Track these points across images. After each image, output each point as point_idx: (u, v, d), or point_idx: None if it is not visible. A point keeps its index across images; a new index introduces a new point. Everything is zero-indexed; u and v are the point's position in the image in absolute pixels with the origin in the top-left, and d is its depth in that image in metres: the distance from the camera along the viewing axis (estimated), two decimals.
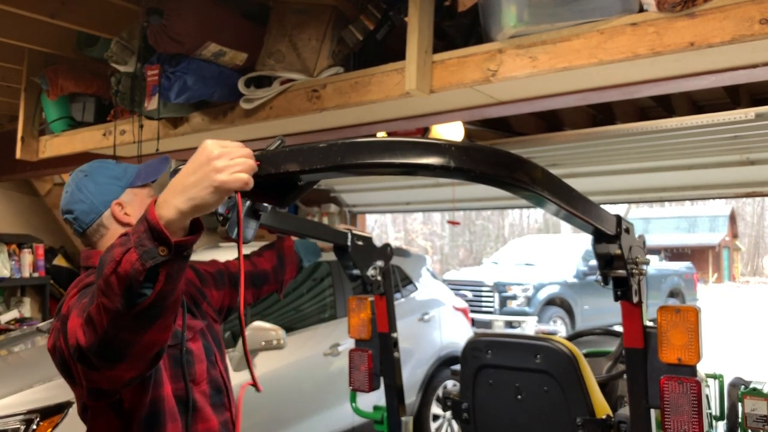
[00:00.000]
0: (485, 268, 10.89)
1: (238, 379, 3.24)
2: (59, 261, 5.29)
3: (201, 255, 4.17)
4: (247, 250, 1.94)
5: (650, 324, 1.54)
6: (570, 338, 2.99)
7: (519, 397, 2.26)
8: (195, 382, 1.45)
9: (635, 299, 1.51)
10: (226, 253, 4.11)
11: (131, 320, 1.03)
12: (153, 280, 0.99)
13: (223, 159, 0.97)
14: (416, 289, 4.98)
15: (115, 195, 1.51)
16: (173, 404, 1.40)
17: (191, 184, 0.97)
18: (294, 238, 2.07)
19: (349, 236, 2.01)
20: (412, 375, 4.58)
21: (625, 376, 2.04)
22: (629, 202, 7.60)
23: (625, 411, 1.92)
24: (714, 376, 2.58)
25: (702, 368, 1.65)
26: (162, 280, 1.00)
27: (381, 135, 3.03)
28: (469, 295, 9.33)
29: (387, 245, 2.14)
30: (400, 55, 2.21)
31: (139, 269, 0.98)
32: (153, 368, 1.21)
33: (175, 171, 1.11)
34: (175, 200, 0.98)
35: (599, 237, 1.46)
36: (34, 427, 2.48)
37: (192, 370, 1.45)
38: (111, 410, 1.35)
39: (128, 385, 1.23)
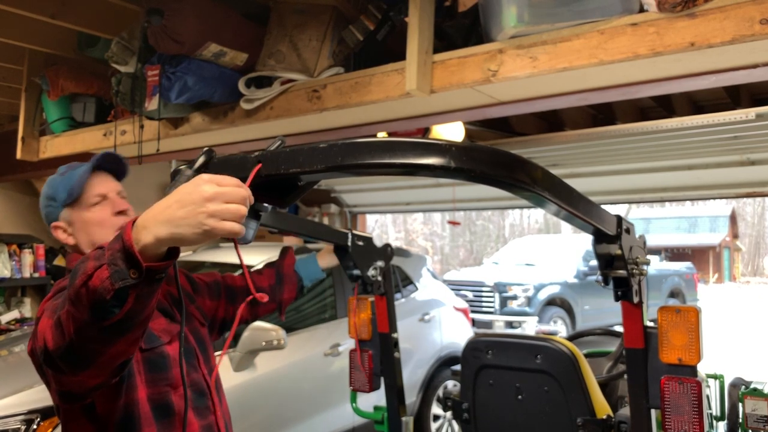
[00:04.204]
0: (486, 269, 10.89)
1: (238, 379, 3.25)
2: (60, 261, 5.29)
3: (201, 255, 4.17)
4: (247, 256, 1.94)
5: (651, 324, 1.54)
6: (570, 338, 2.99)
7: (519, 397, 2.26)
8: (172, 385, 1.43)
9: (636, 299, 1.51)
10: (226, 254, 4.12)
11: (98, 332, 1.02)
12: (122, 300, 0.98)
13: (217, 202, 0.94)
14: (416, 289, 4.98)
15: (55, 216, 1.50)
16: (148, 409, 1.38)
17: (178, 219, 0.94)
18: (300, 242, 2.07)
19: (350, 236, 2.01)
20: (412, 375, 4.58)
21: (625, 376, 2.04)
22: (630, 203, 7.59)
23: (625, 411, 1.92)
24: (714, 377, 2.58)
25: (702, 368, 1.65)
26: (131, 302, 0.98)
27: (381, 135, 3.03)
28: (470, 295, 9.33)
29: (387, 245, 2.14)
30: (400, 55, 2.21)
31: (108, 288, 0.96)
32: (118, 377, 1.21)
33: (176, 171, 1.10)
34: (156, 228, 0.95)
35: (600, 237, 1.46)
36: (35, 427, 2.48)
37: (169, 374, 1.43)
38: (83, 415, 1.35)
39: (95, 389, 1.23)
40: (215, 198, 0.94)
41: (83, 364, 1.10)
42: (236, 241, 1.03)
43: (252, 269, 1.94)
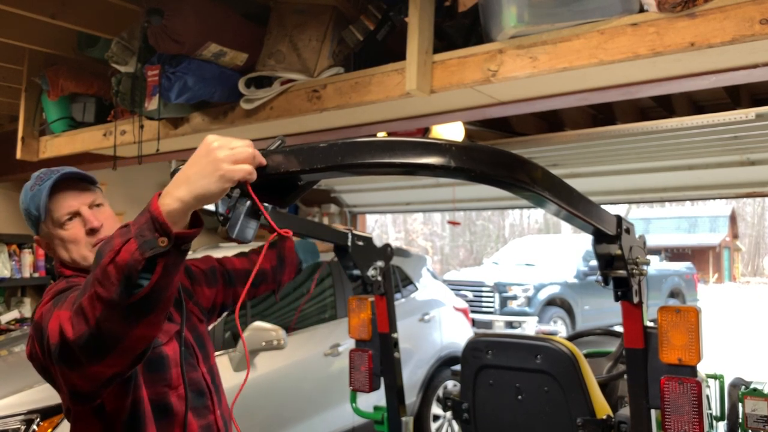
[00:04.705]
0: (486, 269, 10.89)
1: (238, 379, 3.25)
2: None
3: (201, 255, 4.17)
4: (247, 249, 1.95)
5: (650, 324, 1.54)
6: (570, 338, 2.99)
7: (519, 397, 2.26)
8: (171, 386, 1.43)
9: (636, 299, 1.51)
10: (226, 253, 4.11)
11: (124, 311, 1.03)
12: (150, 271, 1.00)
13: (224, 149, 1.01)
14: (416, 289, 4.98)
15: (35, 231, 1.50)
16: (149, 408, 1.38)
17: (194, 175, 1.00)
18: (294, 238, 2.07)
19: (350, 236, 2.01)
20: (412, 375, 4.58)
21: (625, 376, 2.04)
22: (630, 203, 7.59)
23: (625, 411, 1.92)
24: (714, 377, 2.58)
25: (702, 368, 1.65)
26: (159, 272, 1.00)
27: (381, 135, 3.03)
28: (470, 295, 9.33)
29: (387, 245, 2.15)
30: (400, 55, 2.22)
31: (138, 259, 0.99)
32: (134, 368, 1.20)
33: (176, 171, 1.11)
34: (177, 191, 1.00)
35: (600, 237, 1.46)
36: (35, 427, 2.48)
37: (166, 374, 1.42)
38: (93, 415, 1.35)
39: (108, 384, 1.22)
40: (222, 146, 1.01)
41: (104, 351, 1.10)
42: (249, 185, 1.06)
43: (250, 251, 1.95)
